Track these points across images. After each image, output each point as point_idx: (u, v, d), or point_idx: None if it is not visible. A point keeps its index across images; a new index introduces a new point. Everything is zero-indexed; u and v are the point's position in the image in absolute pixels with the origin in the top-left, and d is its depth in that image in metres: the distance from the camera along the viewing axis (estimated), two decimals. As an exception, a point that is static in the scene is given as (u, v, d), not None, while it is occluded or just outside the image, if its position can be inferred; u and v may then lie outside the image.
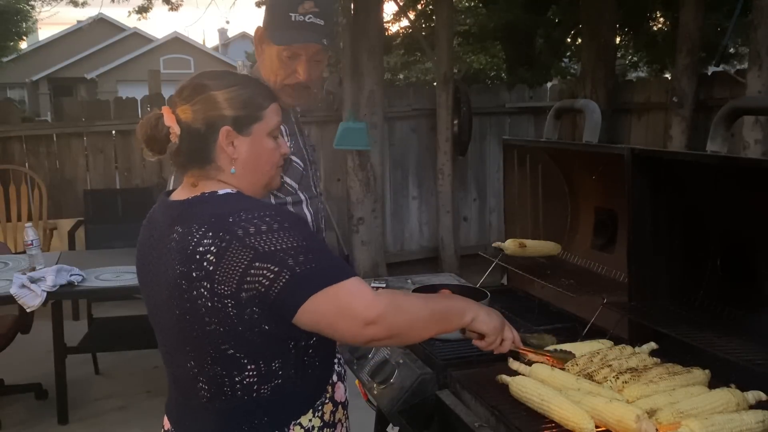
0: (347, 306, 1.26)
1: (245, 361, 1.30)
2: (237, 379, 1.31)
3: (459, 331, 1.45)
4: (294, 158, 2.02)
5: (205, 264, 1.25)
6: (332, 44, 2.03)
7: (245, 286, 1.24)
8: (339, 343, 1.53)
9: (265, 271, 1.24)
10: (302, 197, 2.04)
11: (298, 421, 1.37)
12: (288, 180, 1.98)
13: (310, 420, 1.39)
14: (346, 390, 1.52)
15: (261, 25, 2.02)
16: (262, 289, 1.24)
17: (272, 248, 1.25)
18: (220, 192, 1.36)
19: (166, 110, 1.37)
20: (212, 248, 1.25)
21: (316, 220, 2.10)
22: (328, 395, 1.44)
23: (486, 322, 1.43)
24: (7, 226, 5.35)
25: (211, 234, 1.26)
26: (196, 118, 1.35)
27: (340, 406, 1.48)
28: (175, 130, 1.35)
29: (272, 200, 1.96)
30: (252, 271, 1.24)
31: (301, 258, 1.25)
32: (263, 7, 2.14)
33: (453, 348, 1.81)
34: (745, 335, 1.59)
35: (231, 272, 1.24)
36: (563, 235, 2.43)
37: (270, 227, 1.26)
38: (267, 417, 1.34)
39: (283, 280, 1.24)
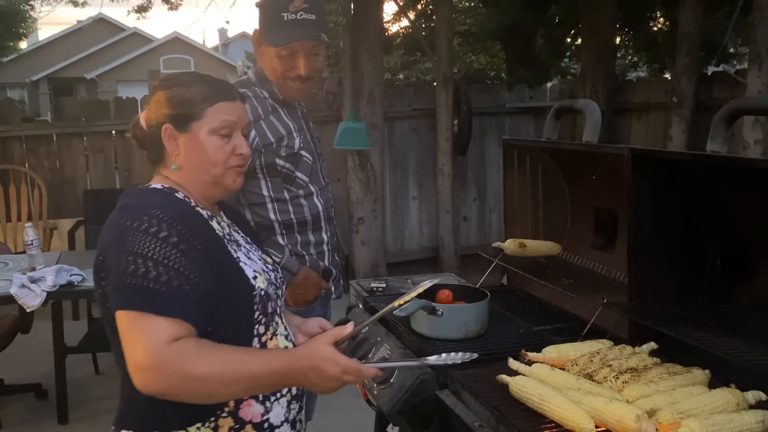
0: (131, 339, 1.24)
1: (119, 357, 1.32)
2: (125, 371, 1.30)
3: None
4: (304, 153, 2.13)
5: (101, 250, 1.36)
6: (327, 35, 2.10)
7: (101, 274, 1.33)
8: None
9: (106, 269, 1.31)
10: (313, 189, 2.17)
11: (184, 428, 1.36)
12: (299, 174, 2.12)
13: (198, 429, 1.36)
14: (268, 411, 1.42)
15: (257, 27, 2.11)
16: (104, 283, 1.32)
17: (127, 247, 1.28)
18: (151, 186, 1.44)
19: (142, 113, 1.48)
20: (105, 236, 1.36)
21: (326, 209, 2.20)
22: (228, 409, 1.38)
23: (316, 390, 1.35)
24: (7, 226, 5.35)
25: (111, 221, 1.37)
26: (150, 118, 1.45)
27: (249, 426, 1.40)
28: (145, 128, 1.46)
29: (285, 194, 2.08)
30: (100, 268, 1.33)
31: (141, 270, 1.25)
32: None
33: (453, 348, 1.80)
34: (745, 335, 1.59)
35: (97, 259, 1.35)
36: (563, 235, 2.43)
37: (146, 230, 1.30)
38: (150, 418, 1.36)
39: (111, 283, 1.29)
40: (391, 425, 1.93)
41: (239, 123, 1.46)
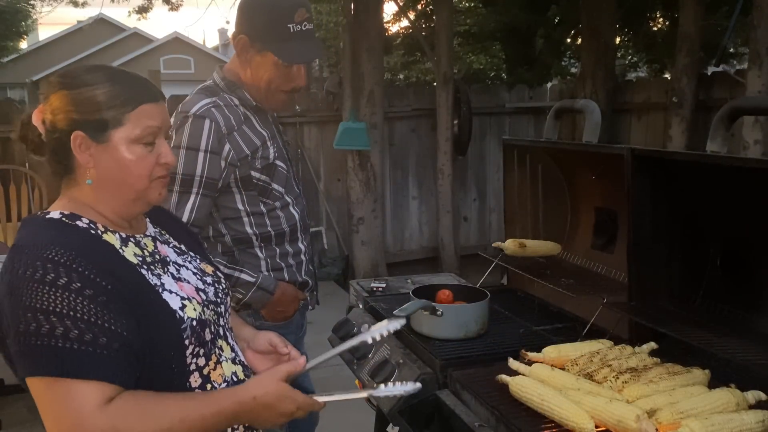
0: (54, 411, 1.11)
1: None
2: None
3: None
4: (278, 162, 2.03)
5: None
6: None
7: (1, 332, 1.15)
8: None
9: (5, 328, 1.13)
10: (289, 199, 2.07)
11: None
12: (276, 186, 2.02)
13: None
14: None
15: (241, 33, 1.98)
16: (8, 342, 1.14)
17: (24, 303, 1.10)
18: (47, 216, 1.23)
19: (36, 111, 1.25)
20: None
21: (303, 218, 2.12)
22: None
23: (262, 426, 1.27)
24: (8, 227, 5.35)
25: (4, 266, 1.17)
26: (52, 121, 1.22)
27: None
28: (41, 131, 1.24)
29: (261, 207, 1.99)
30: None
31: (45, 327, 1.09)
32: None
33: (453, 348, 1.81)
34: (745, 335, 1.59)
35: None
36: (563, 235, 2.43)
37: (41, 278, 1.11)
38: None
39: (15, 345, 1.11)
40: (391, 425, 1.93)
41: (163, 127, 1.27)
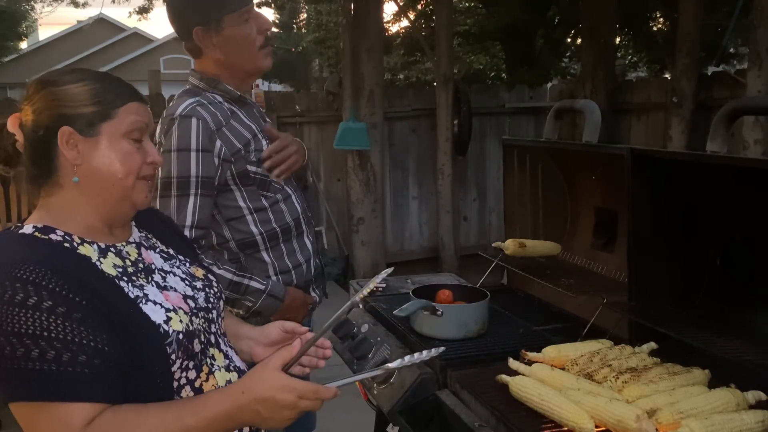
0: None
1: None
2: None
3: None
4: None
5: None
6: None
7: None
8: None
9: None
10: (289, 191, 2.04)
11: None
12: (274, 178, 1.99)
13: None
14: None
15: (193, 26, 1.94)
16: None
17: None
18: (20, 231, 1.20)
19: (12, 117, 1.22)
20: None
21: (305, 211, 2.10)
22: None
23: (269, 425, 1.18)
24: (8, 227, 5.35)
25: None
26: (35, 120, 1.19)
27: None
28: (19, 137, 1.22)
29: (263, 201, 1.96)
30: None
31: (20, 351, 1.05)
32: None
33: (453, 348, 1.81)
34: (745, 335, 1.59)
35: None
36: (563, 235, 2.43)
37: (10, 300, 1.06)
38: None
39: None
40: (391, 425, 1.93)
41: (150, 126, 1.27)
